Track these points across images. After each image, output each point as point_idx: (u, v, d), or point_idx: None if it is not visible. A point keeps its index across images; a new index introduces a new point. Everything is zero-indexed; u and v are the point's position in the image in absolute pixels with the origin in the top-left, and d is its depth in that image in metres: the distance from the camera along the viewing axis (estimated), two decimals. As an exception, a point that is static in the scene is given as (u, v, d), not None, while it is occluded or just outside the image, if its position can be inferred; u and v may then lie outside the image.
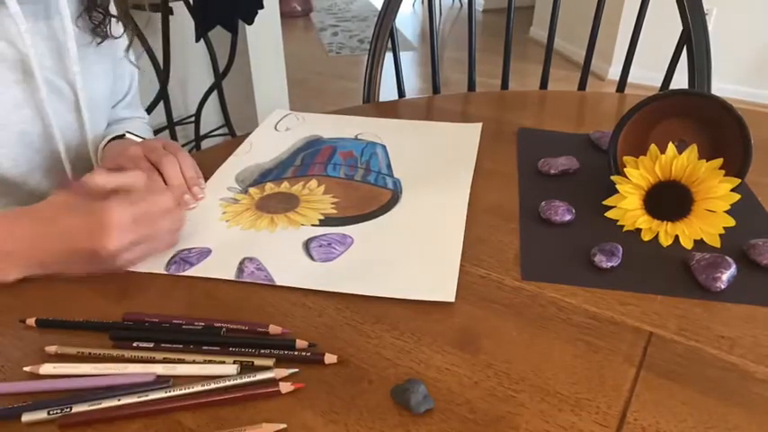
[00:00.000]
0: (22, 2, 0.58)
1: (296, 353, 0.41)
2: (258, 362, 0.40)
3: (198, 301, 0.47)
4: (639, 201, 0.55)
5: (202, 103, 2.04)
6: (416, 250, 0.53)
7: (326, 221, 0.58)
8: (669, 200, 0.54)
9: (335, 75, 3.47)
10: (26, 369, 0.40)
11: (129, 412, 0.37)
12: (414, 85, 3.30)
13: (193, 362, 0.41)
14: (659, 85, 0.98)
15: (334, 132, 0.77)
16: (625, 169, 0.55)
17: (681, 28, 0.91)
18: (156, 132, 1.80)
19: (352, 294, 0.47)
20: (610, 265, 0.50)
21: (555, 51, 1.07)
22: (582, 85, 1.05)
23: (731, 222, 0.51)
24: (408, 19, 4.74)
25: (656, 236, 0.54)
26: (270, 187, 0.64)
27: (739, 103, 0.57)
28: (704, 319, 0.45)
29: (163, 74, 1.73)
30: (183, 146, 0.67)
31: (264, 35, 2.19)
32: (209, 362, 0.41)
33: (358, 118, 0.82)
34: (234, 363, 0.40)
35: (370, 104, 0.96)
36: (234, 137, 2.08)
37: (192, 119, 2.07)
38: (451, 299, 0.47)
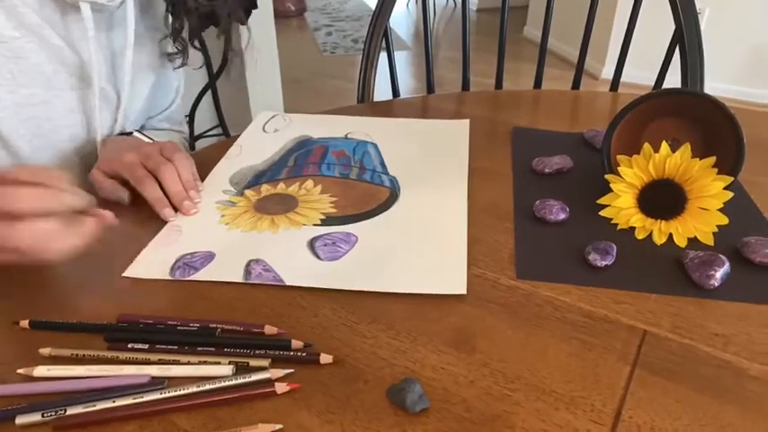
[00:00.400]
0: (93, 9, 0.60)
1: (291, 353, 0.41)
2: (254, 362, 0.40)
3: (192, 302, 0.47)
4: (633, 199, 0.56)
5: (196, 103, 2.03)
6: (422, 246, 0.53)
7: (328, 221, 0.58)
8: (663, 198, 0.54)
9: (330, 75, 3.46)
10: (20, 371, 0.40)
11: (124, 414, 0.37)
12: (408, 85, 3.29)
13: (188, 363, 0.41)
14: (652, 84, 0.98)
15: (323, 132, 0.77)
16: (619, 168, 0.56)
17: (673, 27, 0.92)
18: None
19: (348, 294, 0.47)
20: (604, 263, 0.51)
21: (549, 51, 1.08)
22: (576, 85, 1.05)
23: (724, 220, 0.52)
24: (402, 18, 4.74)
25: (650, 234, 0.54)
26: (266, 189, 0.64)
27: (731, 102, 0.57)
28: (698, 316, 0.45)
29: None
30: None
31: (259, 35, 2.19)
32: (205, 363, 0.40)
33: (345, 117, 0.82)
34: (229, 363, 0.40)
35: (365, 104, 0.96)
36: (228, 137, 2.08)
37: (186, 119, 2.07)
38: (463, 291, 0.47)
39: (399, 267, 0.50)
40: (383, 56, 0.98)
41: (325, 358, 0.41)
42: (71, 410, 0.36)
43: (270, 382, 0.39)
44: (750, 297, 0.47)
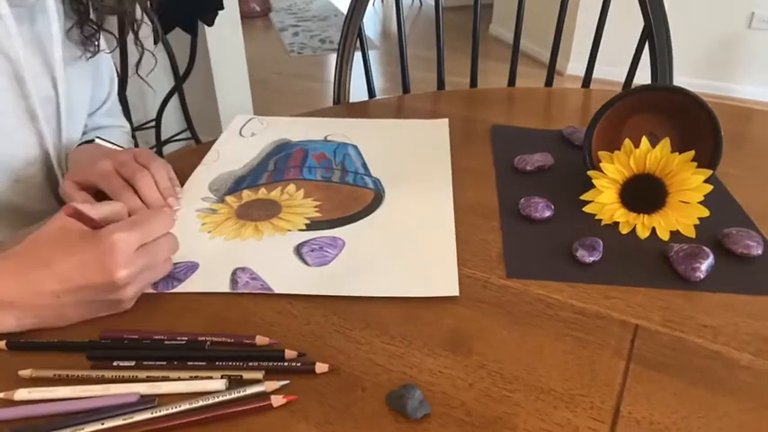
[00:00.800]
0: (12, 4, 0.56)
1: (285, 364, 0.40)
2: (247, 375, 0.39)
3: (178, 314, 0.46)
4: (616, 195, 0.56)
5: (163, 107, 1.98)
6: (411, 248, 0.53)
7: (313, 225, 0.56)
8: (644, 193, 0.55)
9: (297, 75, 3.43)
10: (-1, 396, 0.38)
11: (115, 436, 0.35)
12: (379, 85, 3.29)
13: (179, 379, 0.39)
14: (622, 80, 1.00)
15: (301, 135, 0.76)
16: (601, 164, 0.56)
17: (636, 22, 0.93)
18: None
19: (339, 300, 0.47)
20: (591, 259, 0.51)
21: (513, 48, 1.09)
22: (549, 82, 1.06)
23: (705, 213, 0.53)
24: (369, 17, 4.73)
25: (634, 228, 0.55)
26: (247, 194, 0.62)
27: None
28: (686, 309, 0.46)
29: (120, 78, 1.68)
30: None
31: (225, 36, 2.15)
32: (196, 378, 0.39)
33: (323, 119, 0.81)
34: (221, 377, 0.39)
35: (341, 105, 0.95)
36: (197, 140, 2.04)
37: (153, 123, 2.02)
38: (456, 292, 0.47)
39: (390, 271, 0.50)
40: (355, 56, 0.97)
41: (321, 367, 0.40)
42: (57, 435, 0.35)
43: (265, 395, 0.38)
44: (734, 288, 0.48)
